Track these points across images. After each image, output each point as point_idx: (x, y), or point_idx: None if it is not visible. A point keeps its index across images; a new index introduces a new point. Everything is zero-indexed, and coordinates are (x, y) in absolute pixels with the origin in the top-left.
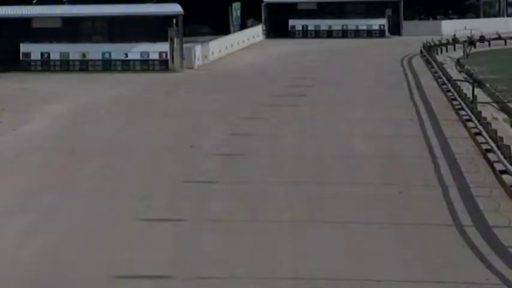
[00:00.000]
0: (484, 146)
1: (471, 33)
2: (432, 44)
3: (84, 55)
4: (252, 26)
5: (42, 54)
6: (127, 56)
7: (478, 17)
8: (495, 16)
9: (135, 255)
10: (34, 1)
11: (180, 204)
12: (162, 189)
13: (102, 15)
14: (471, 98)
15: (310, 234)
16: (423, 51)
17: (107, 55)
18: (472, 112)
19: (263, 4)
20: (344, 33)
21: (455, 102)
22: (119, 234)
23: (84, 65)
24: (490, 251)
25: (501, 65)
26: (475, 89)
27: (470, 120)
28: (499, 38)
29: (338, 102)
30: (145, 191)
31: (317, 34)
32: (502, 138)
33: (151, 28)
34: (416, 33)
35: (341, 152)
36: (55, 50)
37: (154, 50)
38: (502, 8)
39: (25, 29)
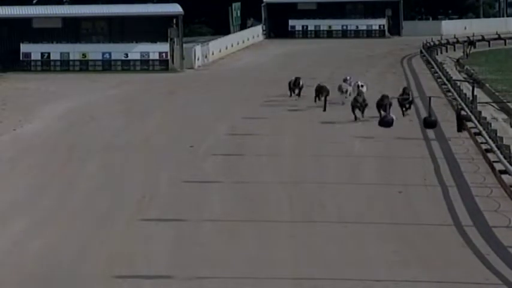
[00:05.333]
0: (484, 146)
1: (473, 36)
2: (432, 44)
3: (84, 55)
4: (252, 26)
5: (42, 54)
6: (127, 56)
7: (478, 17)
8: (495, 16)
9: (134, 255)
10: (34, 1)
11: (180, 204)
12: (162, 189)
13: (102, 15)
14: (471, 98)
15: (311, 234)
16: (423, 51)
17: (107, 55)
18: (472, 112)
19: (263, 4)
20: (344, 34)
21: (455, 103)
22: (119, 234)
23: (84, 65)
24: (490, 251)
25: (501, 65)
26: (475, 89)
27: (470, 120)
28: (499, 38)
29: (338, 103)
30: (145, 190)
31: (317, 34)
32: (502, 138)
33: (151, 28)
34: (416, 33)
35: (341, 152)
36: (55, 50)
37: (154, 50)
38: (502, 8)
39: (25, 29)
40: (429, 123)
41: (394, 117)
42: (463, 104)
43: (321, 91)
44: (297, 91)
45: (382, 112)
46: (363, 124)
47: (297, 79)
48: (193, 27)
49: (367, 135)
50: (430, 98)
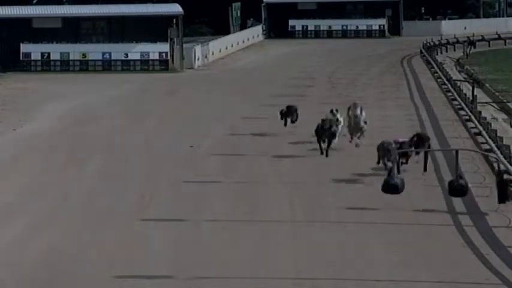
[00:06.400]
0: (484, 146)
1: (473, 36)
2: (432, 44)
3: (84, 55)
4: (252, 26)
5: (42, 54)
6: (127, 56)
7: (478, 17)
8: (495, 16)
9: (134, 255)
10: (34, 1)
11: (180, 204)
12: (161, 189)
13: (102, 15)
14: (471, 98)
15: (311, 234)
16: (423, 51)
17: (107, 55)
18: (472, 112)
19: (263, 4)
20: (344, 34)
21: (455, 102)
22: (119, 234)
23: (84, 65)
24: (490, 251)
25: (501, 65)
26: (475, 89)
27: (470, 120)
28: (499, 38)
29: (339, 103)
30: (145, 190)
31: (317, 34)
32: (502, 138)
33: (151, 28)
34: (416, 34)
35: (341, 151)
36: (55, 50)
37: (154, 50)
38: (502, 8)
39: (25, 29)
40: (457, 189)
41: (402, 179)
42: (463, 104)
43: (324, 134)
44: (290, 120)
45: (388, 163)
46: (363, 184)
47: (290, 108)
48: (193, 27)
49: (367, 204)
50: (457, 152)
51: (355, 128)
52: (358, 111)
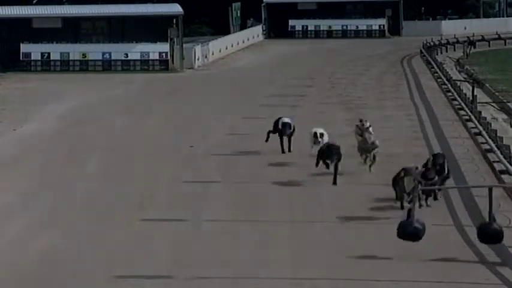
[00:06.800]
0: (484, 146)
1: (473, 36)
2: (432, 44)
3: (84, 55)
4: (252, 26)
5: (42, 54)
6: (127, 56)
7: (478, 17)
8: (495, 16)
9: (134, 255)
10: (34, 1)
11: (180, 204)
12: (162, 189)
13: (102, 15)
14: (471, 98)
15: (311, 234)
16: (423, 51)
17: (107, 55)
18: (472, 112)
19: (263, 4)
20: (344, 34)
21: (455, 102)
22: (119, 234)
23: (84, 65)
24: (490, 251)
25: (501, 65)
26: (475, 89)
27: (470, 120)
28: (499, 38)
29: (339, 103)
30: (145, 190)
31: (317, 34)
32: (502, 138)
33: (151, 28)
34: (416, 34)
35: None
36: (55, 50)
37: (155, 50)
38: (502, 8)
39: (25, 29)
40: (490, 235)
41: (422, 223)
42: (463, 104)
43: (327, 155)
44: (286, 138)
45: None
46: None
47: (284, 124)
48: (193, 27)
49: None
50: (490, 189)
51: (363, 150)
52: (366, 129)
